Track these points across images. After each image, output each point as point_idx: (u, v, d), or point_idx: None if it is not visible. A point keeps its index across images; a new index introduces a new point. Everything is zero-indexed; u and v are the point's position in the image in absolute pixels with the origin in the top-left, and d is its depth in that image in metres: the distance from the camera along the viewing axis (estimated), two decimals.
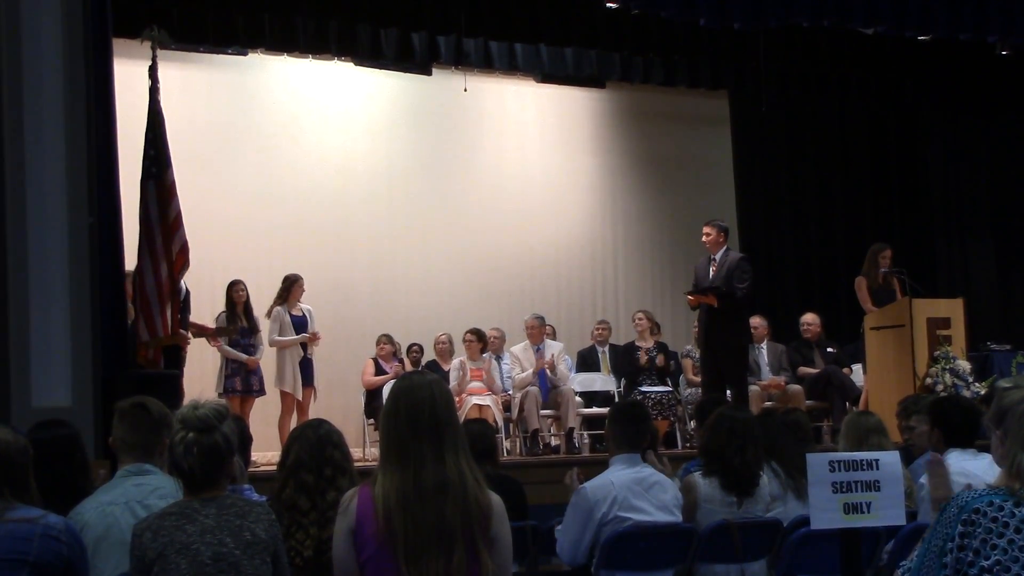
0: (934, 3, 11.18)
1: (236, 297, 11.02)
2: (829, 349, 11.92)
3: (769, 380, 11.58)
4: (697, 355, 11.93)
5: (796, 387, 11.48)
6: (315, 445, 4.33)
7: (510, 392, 11.75)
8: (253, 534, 3.58)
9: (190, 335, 9.96)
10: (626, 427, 5.63)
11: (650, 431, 5.89)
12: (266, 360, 11.22)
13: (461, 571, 3.32)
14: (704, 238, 10.62)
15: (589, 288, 14.81)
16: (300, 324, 11.29)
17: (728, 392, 10.31)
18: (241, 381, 10.82)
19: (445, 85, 13.67)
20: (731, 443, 5.57)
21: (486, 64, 12.94)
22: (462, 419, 5.99)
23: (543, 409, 11.52)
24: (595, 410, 11.76)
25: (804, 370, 11.71)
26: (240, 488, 4.59)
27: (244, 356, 10.90)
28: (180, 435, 3.60)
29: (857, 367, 11.70)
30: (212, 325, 10.88)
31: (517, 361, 11.82)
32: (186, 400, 4.25)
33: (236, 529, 3.56)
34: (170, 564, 3.49)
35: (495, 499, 3.45)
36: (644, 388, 11.60)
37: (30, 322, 7.47)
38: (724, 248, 10.53)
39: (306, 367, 11.29)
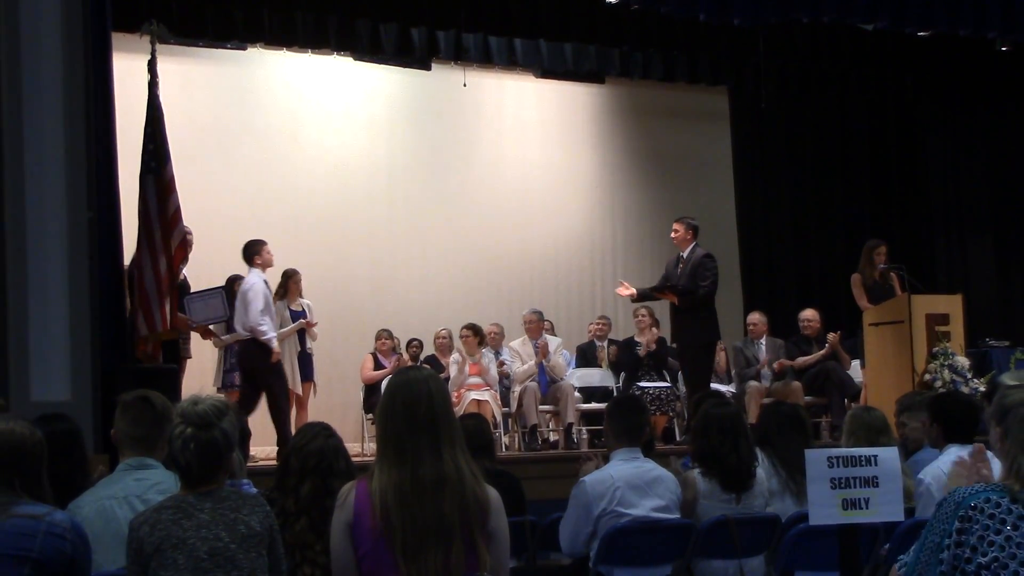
0: None
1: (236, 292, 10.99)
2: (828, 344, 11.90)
3: (763, 361, 11.62)
4: None
5: (795, 383, 11.48)
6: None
7: (507, 384, 11.78)
8: (248, 527, 3.59)
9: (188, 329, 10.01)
10: (625, 420, 5.63)
11: (649, 424, 5.89)
12: None
13: (459, 566, 3.33)
14: (672, 235, 10.75)
15: (588, 283, 14.82)
16: (299, 319, 11.26)
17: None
18: (240, 376, 10.80)
19: (444, 80, 13.67)
20: (724, 443, 5.57)
21: (485, 59, 12.93)
22: (460, 414, 6.01)
23: (542, 404, 11.52)
24: (594, 405, 11.75)
25: (802, 359, 11.69)
26: (239, 483, 4.58)
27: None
28: (179, 430, 3.62)
29: (855, 363, 11.69)
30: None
31: (517, 355, 11.83)
32: (184, 394, 4.22)
33: (231, 523, 3.57)
34: (167, 559, 3.51)
35: (493, 494, 3.46)
36: (643, 383, 11.59)
37: (29, 316, 7.47)
38: (692, 245, 10.60)
39: (305, 362, 11.27)
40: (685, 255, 10.56)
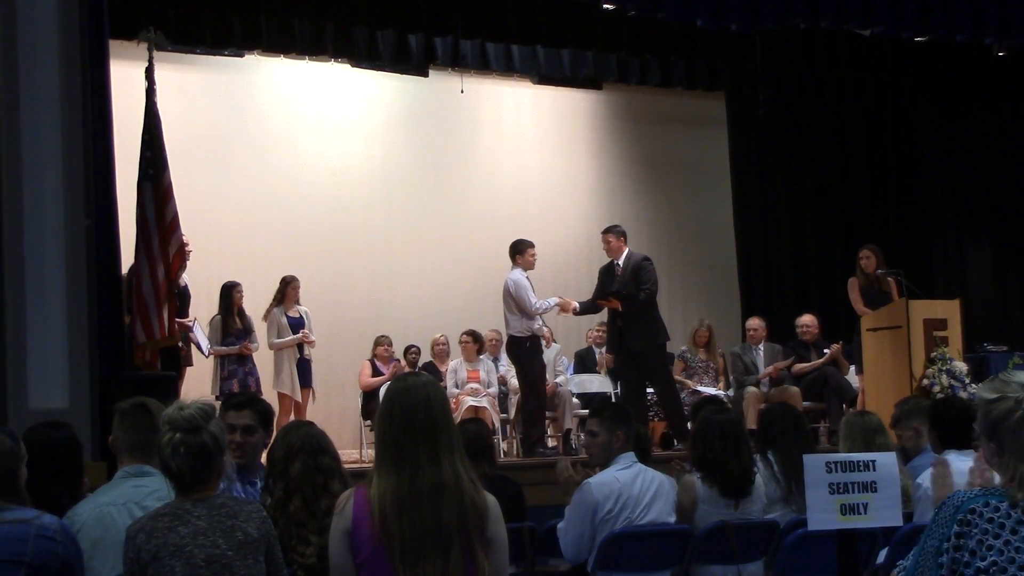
0: (931, 4, 11.17)
1: (236, 299, 11.02)
2: (826, 351, 11.90)
3: (768, 369, 11.59)
4: (691, 357, 11.95)
5: (793, 388, 11.47)
6: (311, 456, 4.33)
7: (505, 391, 11.79)
8: (245, 533, 3.59)
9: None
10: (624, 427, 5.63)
11: (637, 430, 5.89)
12: (263, 362, 11.21)
13: (458, 573, 3.33)
14: (604, 247, 10.97)
15: (586, 290, 14.69)
16: (297, 326, 11.28)
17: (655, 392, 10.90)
18: (238, 383, 10.80)
19: (442, 87, 13.68)
20: (725, 449, 5.58)
21: (483, 66, 12.94)
22: (458, 421, 6.00)
23: None
24: None
25: (800, 366, 11.69)
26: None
27: (234, 349, 10.86)
28: (167, 436, 3.62)
29: (852, 368, 11.67)
30: (204, 328, 10.91)
31: None
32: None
33: (228, 530, 3.57)
34: (164, 567, 3.50)
35: (491, 500, 3.46)
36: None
37: (27, 324, 7.46)
38: (626, 252, 10.78)
39: (304, 368, 11.28)
40: (621, 262, 10.76)
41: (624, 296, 10.51)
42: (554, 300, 10.97)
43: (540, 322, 10.89)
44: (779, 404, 8.04)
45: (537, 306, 10.69)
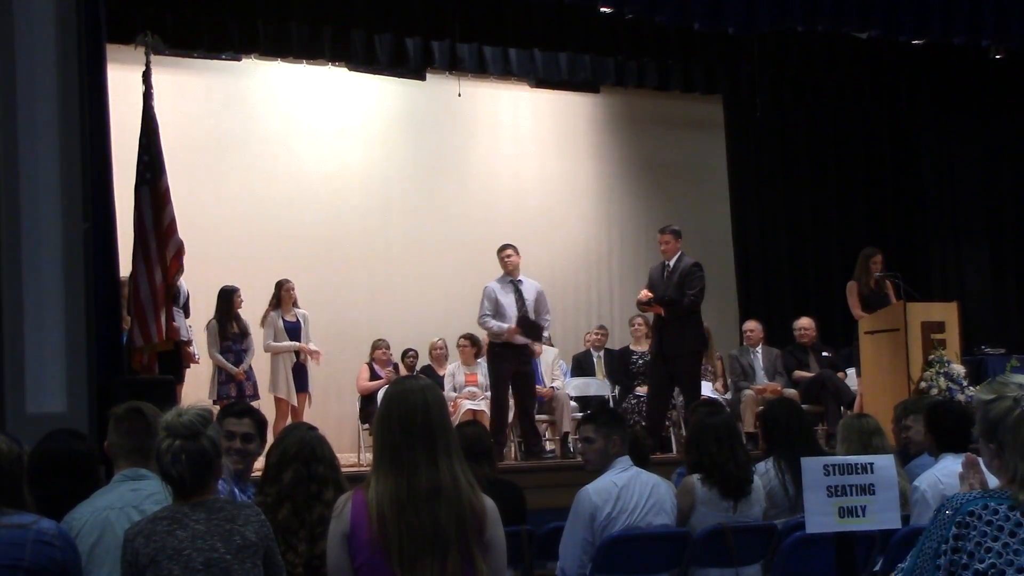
0: (928, 7, 11.18)
1: (236, 303, 11.02)
2: (824, 353, 11.90)
3: (765, 385, 11.57)
4: None
5: (791, 391, 11.47)
6: (303, 464, 4.32)
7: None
8: (243, 537, 3.59)
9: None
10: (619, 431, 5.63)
11: (635, 434, 5.88)
12: (260, 366, 11.20)
13: None
14: (663, 247, 10.80)
15: (584, 293, 14.80)
16: (293, 330, 11.27)
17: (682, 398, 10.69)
18: (235, 387, 10.81)
19: (439, 90, 13.66)
20: (722, 450, 5.58)
21: (480, 69, 12.93)
22: (456, 424, 5.99)
23: (538, 414, 11.48)
24: None
25: (799, 374, 11.71)
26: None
27: (233, 369, 10.87)
28: (167, 443, 3.62)
29: (851, 371, 11.69)
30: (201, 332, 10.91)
31: None
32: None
33: (226, 534, 3.57)
34: (163, 570, 3.50)
35: (489, 503, 3.46)
36: (639, 392, 11.58)
37: (24, 328, 7.45)
38: (679, 253, 10.69)
39: (300, 373, 11.27)
40: (671, 263, 10.64)
41: (667, 302, 10.43)
42: (505, 326, 10.60)
43: (497, 327, 10.63)
44: (779, 401, 8.04)
45: (482, 319, 10.73)
